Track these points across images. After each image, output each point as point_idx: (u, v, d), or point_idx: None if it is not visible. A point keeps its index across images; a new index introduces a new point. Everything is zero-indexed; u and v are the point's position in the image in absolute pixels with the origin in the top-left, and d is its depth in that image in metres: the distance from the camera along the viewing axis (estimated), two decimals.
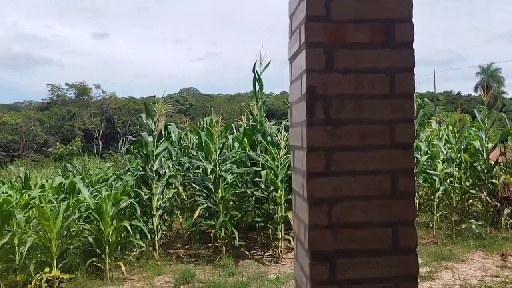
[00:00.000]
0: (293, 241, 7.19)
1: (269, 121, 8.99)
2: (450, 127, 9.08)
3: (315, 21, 1.42)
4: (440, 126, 12.15)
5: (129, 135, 39.03)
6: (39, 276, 5.81)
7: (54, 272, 5.88)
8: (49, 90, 51.37)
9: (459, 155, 8.36)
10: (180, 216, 9.10)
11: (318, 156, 1.39)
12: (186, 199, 8.97)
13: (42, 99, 53.75)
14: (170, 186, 8.23)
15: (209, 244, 7.88)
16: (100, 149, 40.13)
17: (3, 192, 7.01)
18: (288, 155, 7.21)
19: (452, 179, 8.20)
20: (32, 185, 8.44)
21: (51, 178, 9.46)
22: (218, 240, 7.35)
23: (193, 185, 8.23)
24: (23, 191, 7.22)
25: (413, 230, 1.41)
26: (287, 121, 9.11)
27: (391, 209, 1.39)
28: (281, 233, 7.12)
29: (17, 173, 9.83)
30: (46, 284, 5.81)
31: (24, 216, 6.06)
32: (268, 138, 7.93)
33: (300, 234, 1.52)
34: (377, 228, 1.38)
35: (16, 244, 6.04)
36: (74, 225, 6.63)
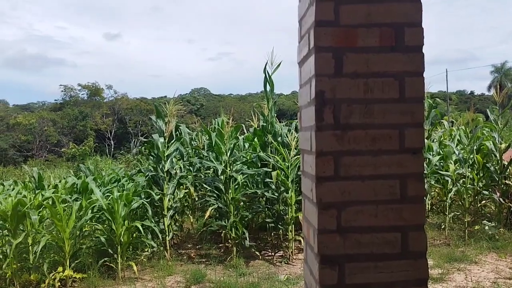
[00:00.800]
0: (303, 242, 7.18)
1: (280, 121, 8.99)
2: (463, 127, 8.98)
3: (324, 25, 1.42)
4: (452, 126, 12.03)
5: (140, 136, 39.43)
6: (53, 275, 5.89)
7: (67, 272, 5.96)
8: (62, 91, 52.09)
9: (471, 156, 8.27)
10: (191, 216, 9.14)
11: (327, 161, 1.39)
12: (197, 199, 9.01)
13: (55, 100, 54.54)
14: (181, 187, 8.29)
15: (220, 245, 7.91)
16: (112, 149, 40.51)
17: (17, 193, 7.12)
18: (298, 156, 7.21)
19: (464, 180, 8.11)
20: (46, 185, 8.56)
21: (64, 178, 9.58)
22: (229, 241, 7.37)
23: (204, 185, 8.26)
24: (36, 191, 7.32)
25: (423, 234, 1.40)
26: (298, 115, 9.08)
27: (401, 214, 1.39)
28: (292, 234, 7.13)
29: (31, 173, 9.95)
30: (59, 283, 5.89)
31: (38, 216, 6.14)
32: (279, 138, 7.92)
33: (309, 238, 1.53)
34: (386, 233, 1.38)
35: (30, 244, 6.13)
36: (86, 225, 6.70)
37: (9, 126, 42.65)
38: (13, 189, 8.35)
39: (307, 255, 1.61)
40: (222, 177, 7.47)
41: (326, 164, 1.39)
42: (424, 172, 1.44)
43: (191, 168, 8.75)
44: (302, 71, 1.65)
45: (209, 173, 8.56)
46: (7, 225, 6.09)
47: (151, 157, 7.87)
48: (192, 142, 9.82)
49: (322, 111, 1.40)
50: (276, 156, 7.38)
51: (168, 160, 7.56)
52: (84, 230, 6.71)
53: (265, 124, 8.09)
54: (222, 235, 7.77)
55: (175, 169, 7.78)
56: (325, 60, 1.42)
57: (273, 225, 7.48)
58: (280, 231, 7.47)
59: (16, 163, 30.86)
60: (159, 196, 7.35)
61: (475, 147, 8.37)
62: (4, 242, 6.26)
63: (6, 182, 9.66)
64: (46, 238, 6.00)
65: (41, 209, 6.46)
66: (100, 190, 7.10)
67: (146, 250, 7.15)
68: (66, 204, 6.75)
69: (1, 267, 6.07)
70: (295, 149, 7.33)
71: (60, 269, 5.97)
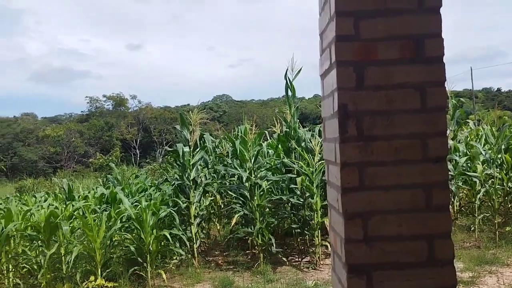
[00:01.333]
0: (330, 247, 7.16)
1: (303, 125, 9.01)
2: (489, 127, 8.80)
3: (344, 40, 1.47)
4: (478, 125, 11.79)
5: (165, 144, 39.97)
6: (85, 284, 6.05)
7: (99, 281, 6.10)
8: (88, 102, 53.33)
9: (499, 155, 8.10)
10: (217, 224, 9.23)
11: (351, 172, 1.43)
12: (222, 206, 9.10)
13: (82, 111, 55.79)
14: (206, 194, 8.38)
15: (247, 251, 7.96)
16: (138, 158, 41.16)
17: (49, 204, 7.35)
18: (323, 161, 7.21)
19: (493, 180, 7.95)
20: (75, 196, 8.80)
21: (93, 189, 9.82)
22: (256, 247, 7.42)
23: (229, 192, 8.34)
24: (67, 202, 7.54)
25: (450, 242, 1.42)
26: (321, 126, 9.12)
27: (426, 222, 1.41)
28: (318, 239, 7.12)
29: (61, 184, 10.24)
30: None
31: (69, 227, 6.32)
32: (303, 144, 7.95)
33: (336, 247, 1.56)
34: (412, 241, 1.41)
35: (62, 254, 6.31)
36: (116, 235, 6.85)
37: (39, 139, 43.97)
38: (45, 200, 8.63)
39: (334, 263, 1.65)
40: (247, 184, 7.53)
41: (351, 175, 1.43)
42: (449, 178, 1.46)
43: (215, 176, 8.85)
44: (325, 84, 1.69)
45: (233, 180, 8.64)
46: (40, 236, 6.29)
47: (177, 166, 8.00)
48: (216, 150, 9.92)
49: (345, 123, 1.44)
50: (300, 162, 7.41)
51: (194, 169, 7.67)
52: (114, 239, 6.86)
53: (288, 130, 8.13)
54: (248, 241, 7.82)
55: (200, 177, 7.89)
56: (347, 74, 1.46)
57: (299, 230, 7.49)
58: (307, 236, 7.48)
59: (46, 175, 31.76)
60: (185, 204, 7.46)
61: (503, 146, 8.19)
62: (38, 252, 6.46)
63: (38, 194, 9.97)
64: (78, 248, 6.17)
65: (72, 220, 6.65)
66: (128, 200, 7.26)
67: (174, 258, 7.26)
68: (96, 214, 6.93)
69: (36, 277, 6.27)
70: (319, 154, 7.33)
71: (92, 278, 6.12)
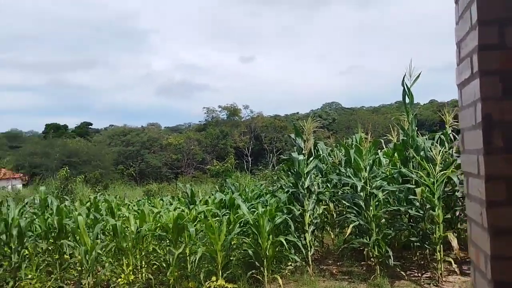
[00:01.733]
0: (454, 263, 6.70)
1: (420, 133, 8.58)
2: None
3: (488, 49, 1.42)
4: None
5: (275, 152, 40.87)
6: (208, 284, 6.44)
7: (220, 281, 6.45)
8: (205, 113, 56.85)
9: None
10: (331, 233, 9.19)
11: (498, 185, 1.37)
12: (335, 215, 9.03)
13: (199, 121, 59.58)
14: (320, 203, 8.40)
15: (362, 262, 7.79)
16: (250, 165, 42.62)
17: (175, 207, 7.99)
18: (445, 172, 6.80)
19: None
20: (197, 200, 9.43)
21: (212, 194, 10.43)
22: (372, 259, 7.23)
23: (343, 201, 8.25)
24: (190, 206, 8.11)
25: None
26: (441, 134, 8.59)
27: None
28: (440, 254, 6.70)
29: (184, 189, 11.04)
30: None
31: (194, 229, 6.80)
32: (422, 153, 7.56)
33: (479, 263, 1.50)
34: None
35: (187, 254, 6.81)
36: (235, 238, 7.19)
37: (162, 146, 48.06)
38: (170, 204, 9.39)
39: (475, 279, 1.58)
40: (361, 193, 7.39)
41: (497, 188, 1.37)
42: None
43: (328, 184, 8.83)
44: (463, 94, 1.65)
45: (346, 189, 8.52)
46: (169, 236, 6.87)
47: (291, 174, 8.16)
48: (328, 158, 9.89)
49: (490, 134, 1.39)
50: (419, 172, 7.07)
51: (308, 177, 7.75)
52: (233, 243, 7.21)
53: (405, 138, 7.80)
54: (364, 252, 7.64)
55: (314, 186, 7.94)
56: (491, 83, 1.41)
57: (418, 244, 7.13)
58: (427, 250, 7.08)
59: (169, 180, 34.51)
60: (300, 212, 7.56)
61: None
62: (166, 251, 7.05)
63: (165, 198, 10.89)
64: (202, 250, 6.60)
65: (196, 223, 7.14)
66: (245, 205, 7.59)
67: (289, 264, 7.39)
68: (216, 218, 7.36)
69: (165, 274, 6.85)
70: (441, 164, 6.92)
71: (213, 278, 6.50)
